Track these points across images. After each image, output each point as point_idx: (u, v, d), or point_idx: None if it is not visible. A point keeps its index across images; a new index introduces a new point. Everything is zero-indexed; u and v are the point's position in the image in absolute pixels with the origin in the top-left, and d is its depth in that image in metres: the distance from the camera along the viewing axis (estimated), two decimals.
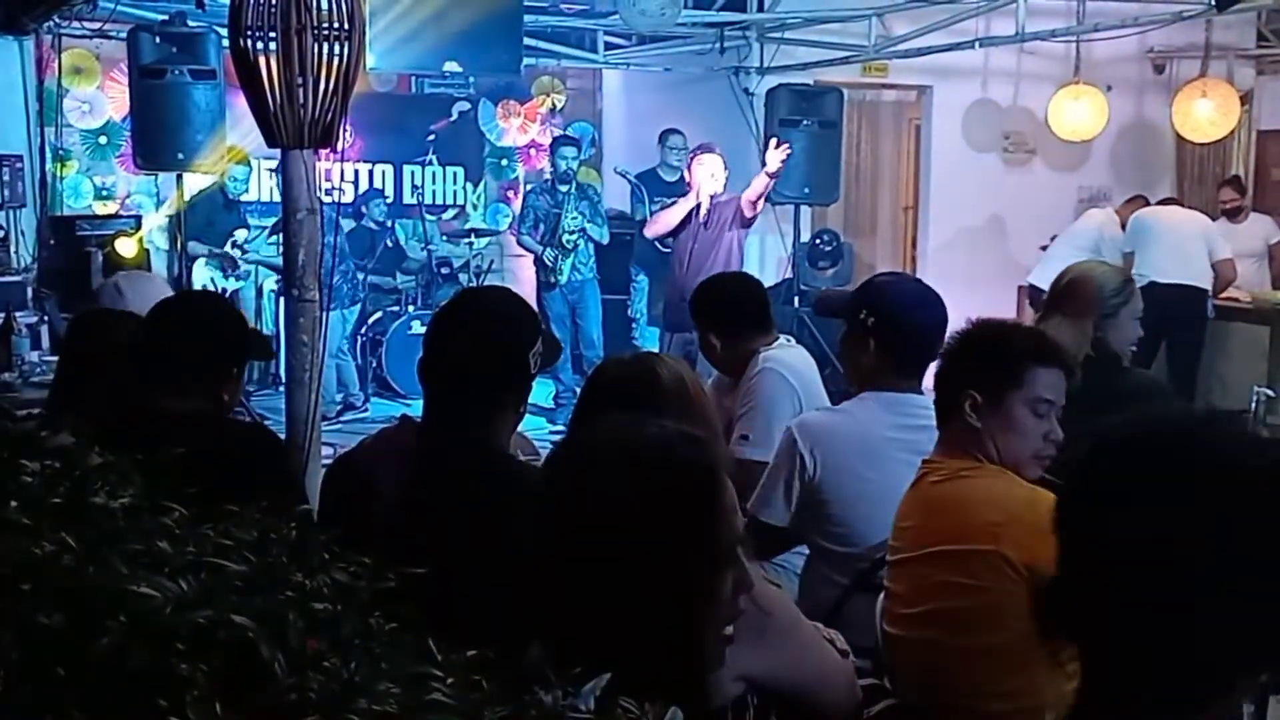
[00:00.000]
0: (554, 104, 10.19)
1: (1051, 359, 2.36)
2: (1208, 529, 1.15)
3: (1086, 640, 1.23)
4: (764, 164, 6.96)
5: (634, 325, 8.55)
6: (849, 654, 2.03)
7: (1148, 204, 8.25)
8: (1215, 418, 1.26)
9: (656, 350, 8.06)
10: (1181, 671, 1.17)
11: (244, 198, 8.76)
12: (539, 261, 7.97)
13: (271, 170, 8.36)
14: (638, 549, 1.38)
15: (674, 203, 7.16)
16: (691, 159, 7.20)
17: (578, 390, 7.56)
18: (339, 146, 3.75)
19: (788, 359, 3.60)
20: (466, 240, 9.08)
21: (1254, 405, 3.78)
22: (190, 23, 6.80)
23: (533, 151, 10.16)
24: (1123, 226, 7.88)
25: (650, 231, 7.18)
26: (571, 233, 7.85)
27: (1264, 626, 1.16)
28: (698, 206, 6.87)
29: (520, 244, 8.32)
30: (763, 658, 1.70)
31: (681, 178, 8.27)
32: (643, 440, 1.46)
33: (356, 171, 9.48)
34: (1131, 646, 1.18)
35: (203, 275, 8.00)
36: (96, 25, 7.53)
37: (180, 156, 6.53)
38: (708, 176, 6.90)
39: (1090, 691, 1.23)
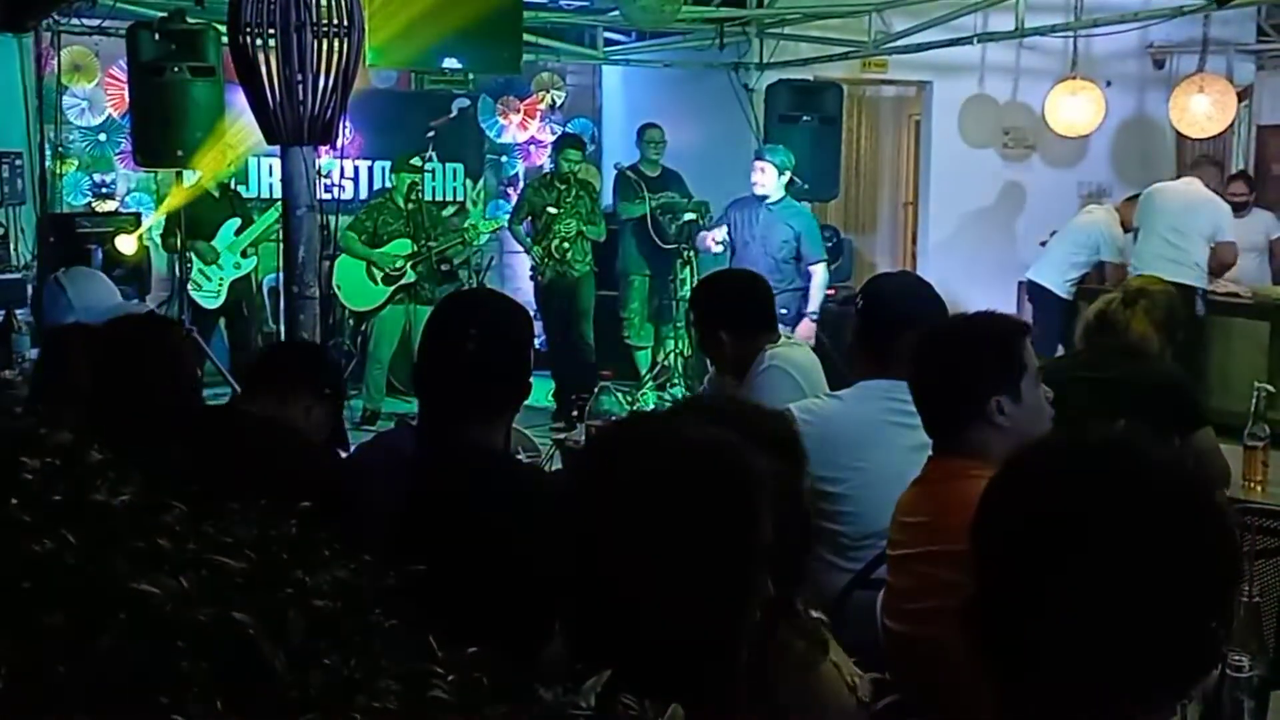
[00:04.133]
0: (553, 100, 10.17)
1: (1024, 326, 2.48)
2: (1124, 549, 1.16)
3: (1001, 658, 1.21)
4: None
5: (624, 324, 8.50)
6: (867, 702, 1.96)
7: None
8: (1131, 438, 1.27)
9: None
10: (1099, 690, 1.16)
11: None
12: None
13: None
14: (673, 543, 1.35)
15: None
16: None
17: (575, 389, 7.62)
18: (338, 143, 3.76)
19: (793, 357, 3.61)
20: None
21: (1255, 401, 3.78)
22: (190, 20, 6.78)
23: (532, 148, 10.13)
24: (1123, 225, 7.86)
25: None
26: (565, 239, 7.82)
27: (1178, 643, 1.17)
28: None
29: (510, 232, 8.30)
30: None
31: (663, 172, 8.29)
32: (682, 434, 1.44)
33: (356, 168, 9.47)
34: (1052, 666, 1.17)
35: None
36: (96, 22, 7.51)
37: (180, 154, 6.52)
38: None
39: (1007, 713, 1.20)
